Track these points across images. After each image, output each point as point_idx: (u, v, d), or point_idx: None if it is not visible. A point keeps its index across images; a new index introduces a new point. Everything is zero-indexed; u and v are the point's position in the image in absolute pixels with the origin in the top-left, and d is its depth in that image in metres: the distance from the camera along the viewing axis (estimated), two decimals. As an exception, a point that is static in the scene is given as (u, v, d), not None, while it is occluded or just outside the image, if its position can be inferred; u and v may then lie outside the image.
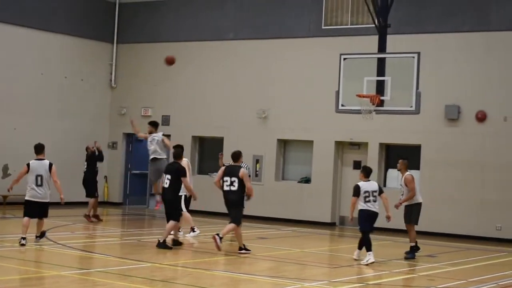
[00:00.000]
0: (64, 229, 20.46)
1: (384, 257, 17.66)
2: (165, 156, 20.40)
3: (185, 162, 18.51)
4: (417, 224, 17.86)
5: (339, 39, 24.67)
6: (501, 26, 22.74)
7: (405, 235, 18.64)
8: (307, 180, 25.35)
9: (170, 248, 17.29)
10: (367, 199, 16.56)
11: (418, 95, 18.48)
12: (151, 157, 20.22)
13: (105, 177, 28.88)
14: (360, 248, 16.77)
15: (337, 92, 19.50)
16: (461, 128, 23.08)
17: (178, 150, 17.79)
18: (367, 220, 16.63)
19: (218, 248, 16.83)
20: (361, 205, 16.61)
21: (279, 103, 25.95)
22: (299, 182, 25.48)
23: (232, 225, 17.04)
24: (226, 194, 17.16)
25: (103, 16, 29.25)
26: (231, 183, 17.04)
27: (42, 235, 17.27)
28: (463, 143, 22.97)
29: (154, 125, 20.31)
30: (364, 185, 16.64)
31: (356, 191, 16.64)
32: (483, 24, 23.00)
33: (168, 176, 17.37)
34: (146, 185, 29.27)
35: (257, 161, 25.91)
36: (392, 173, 23.64)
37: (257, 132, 26.13)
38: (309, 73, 25.44)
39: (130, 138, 29.59)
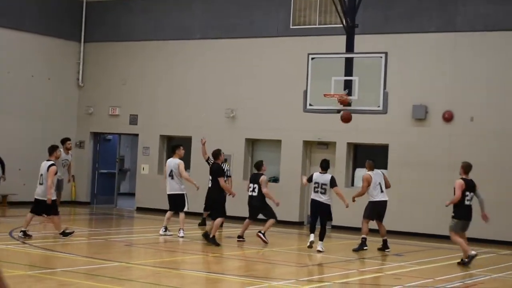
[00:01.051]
0: (31, 228, 20.31)
1: (352, 256, 17.77)
2: None
3: (181, 162, 19.89)
4: (369, 219, 18.73)
5: (307, 39, 24.74)
6: (467, 27, 22.91)
7: (377, 234, 18.91)
8: (275, 180, 25.37)
9: (218, 244, 18.16)
10: (315, 189, 17.95)
11: (385, 95, 18.52)
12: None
13: (73, 176, 28.66)
14: (312, 231, 18.12)
15: (305, 92, 19.51)
16: (428, 128, 23.23)
17: (216, 151, 19.21)
18: (312, 209, 18.26)
19: (266, 242, 18.78)
20: (311, 195, 18.11)
21: (247, 102, 25.96)
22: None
23: (272, 221, 19.05)
24: (249, 199, 19.25)
25: (71, 14, 29.05)
26: (253, 189, 19.05)
27: (63, 233, 17.96)
28: (430, 143, 23.13)
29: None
30: (317, 176, 18.06)
31: (309, 177, 18.46)
32: (450, 25, 23.17)
33: (210, 177, 18.99)
34: (114, 185, 29.17)
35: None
36: (360, 173, 23.69)
37: (225, 132, 26.13)
38: (277, 72, 25.47)
39: (98, 137, 29.46)
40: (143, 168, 27.87)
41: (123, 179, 33.08)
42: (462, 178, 16.98)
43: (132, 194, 29.55)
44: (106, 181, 29.14)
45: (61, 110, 28.73)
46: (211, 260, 16.69)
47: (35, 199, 18.10)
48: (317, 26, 25.05)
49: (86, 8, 29.31)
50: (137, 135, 28.46)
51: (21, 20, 27.26)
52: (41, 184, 17.97)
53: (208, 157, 22.24)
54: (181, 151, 20.09)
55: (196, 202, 23.26)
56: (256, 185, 18.98)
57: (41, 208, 18.02)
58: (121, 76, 28.57)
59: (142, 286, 12.62)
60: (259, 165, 19.50)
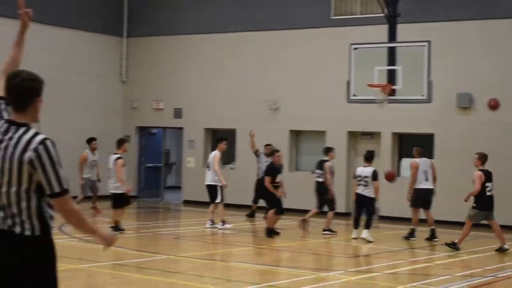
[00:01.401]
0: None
1: (400, 246, 17.73)
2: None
3: (217, 154, 20.07)
4: (416, 207, 18.81)
5: (348, 29, 24.62)
6: (510, 14, 22.68)
7: (424, 224, 18.90)
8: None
9: (278, 233, 18.71)
10: (358, 183, 18.25)
11: (429, 84, 18.48)
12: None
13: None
14: (356, 227, 18.50)
15: (348, 82, 19.52)
16: (473, 116, 23.04)
17: (272, 151, 20.03)
18: (356, 202, 18.42)
19: (334, 232, 19.40)
20: (356, 189, 18.38)
21: (290, 94, 25.94)
22: (312, 172, 25.41)
23: (331, 213, 19.55)
24: (315, 185, 19.75)
25: (113, 10, 29.27)
26: (319, 175, 19.61)
27: (115, 227, 18.23)
28: (476, 131, 22.93)
29: None
30: (358, 170, 18.52)
31: (353, 175, 18.94)
32: (492, 12, 22.92)
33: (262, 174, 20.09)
34: (160, 178, 29.36)
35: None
36: (406, 163, 23.59)
37: (269, 124, 26.11)
38: (320, 63, 25.40)
39: (143, 131, 29.66)
40: (189, 161, 28.02)
41: (169, 173, 33.26)
42: (480, 169, 17.00)
43: (178, 188, 29.72)
44: (152, 174, 29.33)
45: (106, 105, 28.96)
46: (258, 252, 16.78)
47: (111, 193, 18.61)
48: (358, 16, 24.95)
49: (128, 4, 29.51)
50: (181, 128, 28.60)
51: (64, 16, 27.48)
52: (109, 177, 18.54)
53: (257, 150, 22.37)
54: (222, 145, 20.23)
55: (244, 194, 23.47)
56: (322, 171, 19.51)
57: (115, 201, 18.48)
58: (164, 70, 28.72)
59: (190, 279, 12.73)
60: (326, 151, 20.06)
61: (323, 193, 19.51)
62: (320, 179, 19.57)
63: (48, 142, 5.21)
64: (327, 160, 19.66)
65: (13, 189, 5.18)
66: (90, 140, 22.63)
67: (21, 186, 5.18)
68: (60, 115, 27.11)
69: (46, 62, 26.89)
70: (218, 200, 19.80)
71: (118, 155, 18.36)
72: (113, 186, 18.34)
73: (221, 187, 19.79)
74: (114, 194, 18.39)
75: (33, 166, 5.15)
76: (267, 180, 18.75)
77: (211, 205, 20.03)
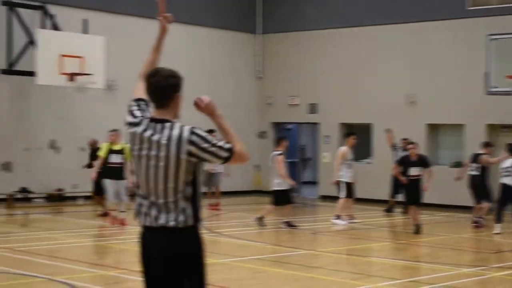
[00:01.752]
0: (219, 218, 20.94)
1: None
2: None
3: (341, 150, 20.06)
4: None
5: (485, 20, 24.04)
6: None
7: None
8: (458, 164, 24.85)
9: (418, 230, 18.12)
10: (502, 174, 18.16)
11: None
12: None
13: (258, 166, 29.13)
14: (498, 221, 18.14)
15: (486, 74, 19.11)
16: None
17: (408, 143, 19.99)
18: (501, 193, 18.16)
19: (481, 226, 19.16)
20: (501, 179, 18.29)
21: (426, 87, 25.55)
22: (451, 166, 25.01)
23: (486, 204, 19.28)
24: (470, 179, 19.53)
25: (247, 7, 29.59)
26: (473, 169, 19.44)
27: (287, 223, 18.81)
28: None
29: None
30: (504, 162, 18.32)
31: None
32: None
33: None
34: (296, 173, 29.46)
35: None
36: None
37: (405, 118, 25.80)
38: (456, 55, 24.87)
39: (278, 127, 29.84)
40: (324, 157, 28.03)
41: (306, 168, 33.34)
42: None
43: (314, 183, 29.79)
44: (289, 170, 29.24)
45: (242, 102, 29.26)
46: (397, 247, 16.66)
47: (273, 190, 18.95)
48: (495, 6, 24.31)
49: (263, 0, 29.75)
50: (316, 123, 28.64)
51: (200, 15, 27.95)
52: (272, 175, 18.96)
53: (394, 144, 22.26)
54: (351, 140, 20.06)
55: (381, 189, 23.38)
56: (477, 165, 19.28)
57: (277, 198, 18.82)
58: (299, 66, 28.81)
59: (330, 273, 12.77)
60: (485, 145, 19.83)
61: (479, 186, 19.27)
62: (475, 173, 19.31)
63: (196, 130, 5.51)
64: (483, 154, 19.36)
65: (170, 185, 5.34)
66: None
67: (178, 181, 5.35)
68: (197, 112, 27.58)
69: (182, 60, 27.43)
70: (341, 195, 19.74)
71: (279, 152, 18.77)
72: (275, 183, 18.72)
73: (347, 182, 19.69)
74: (275, 191, 18.72)
75: (195, 155, 5.37)
76: (395, 167, 18.97)
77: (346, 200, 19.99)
